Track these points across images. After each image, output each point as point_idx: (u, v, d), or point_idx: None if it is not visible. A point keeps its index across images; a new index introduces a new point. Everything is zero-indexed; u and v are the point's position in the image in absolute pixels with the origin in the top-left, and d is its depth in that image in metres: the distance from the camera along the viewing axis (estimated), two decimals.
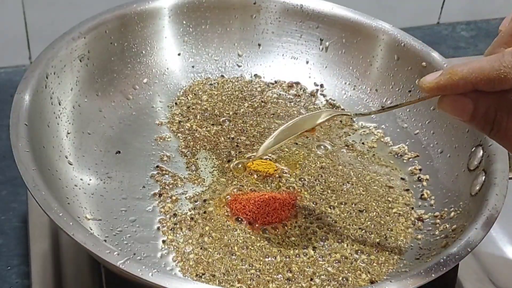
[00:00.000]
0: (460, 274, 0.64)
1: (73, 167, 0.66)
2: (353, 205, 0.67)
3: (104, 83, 0.74)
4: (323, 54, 0.81)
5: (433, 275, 0.53)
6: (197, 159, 0.71)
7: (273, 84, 0.81)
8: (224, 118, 0.76)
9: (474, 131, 0.67)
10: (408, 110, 0.76)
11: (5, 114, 0.62)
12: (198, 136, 0.74)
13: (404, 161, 0.73)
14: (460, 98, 0.48)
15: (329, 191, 0.69)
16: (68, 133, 0.68)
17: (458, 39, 1.09)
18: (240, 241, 0.63)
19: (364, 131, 0.76)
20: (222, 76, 0.81)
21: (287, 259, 0.62)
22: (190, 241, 0.62)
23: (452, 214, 0.65)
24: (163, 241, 0.62)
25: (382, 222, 0.66)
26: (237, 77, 0.81)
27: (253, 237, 0.63)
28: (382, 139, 0.75)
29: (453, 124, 0.71)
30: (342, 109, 0.78)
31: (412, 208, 0.68)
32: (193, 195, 0.67)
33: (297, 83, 0.81)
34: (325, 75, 0.81)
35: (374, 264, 0.62)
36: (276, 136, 0.65)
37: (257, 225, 0.64)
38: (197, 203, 0.66)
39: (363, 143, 0.75)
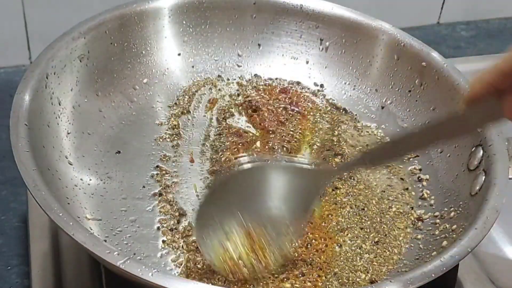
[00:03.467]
0: (460, 274, 0.64)
1: (73, 167, 0.66)
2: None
3: (104, 83, 0.74)
4: (323, 54, 0.81)
5: (433, 275, 0.53)
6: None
7: None
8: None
9: (474, 131, 0.67)
10: (408, 110, 0.76)
11: (5, 114, 0.62)
12: None
13: (404, 161, 0.73)
14: None
15: (329, 190, 0.69)
16: (68, 133, 0.68)
17: (458, 39, 1.09)
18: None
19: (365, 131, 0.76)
20: (222, 76, 0.81)
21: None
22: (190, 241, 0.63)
23: (452, 214, 0.65)
24: (163, 241, 0.62)
25: (382, 221, 0.66)
26: (237, 77, 0.81)
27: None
28: (382, 139, 0.75)
29: None
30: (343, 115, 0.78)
31: (412, 208, 0.68)
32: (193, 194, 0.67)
33: (297, 83, 0.81)
34: (325, 75, 0.81)
35: (374, 264, 0.62)
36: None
37: None
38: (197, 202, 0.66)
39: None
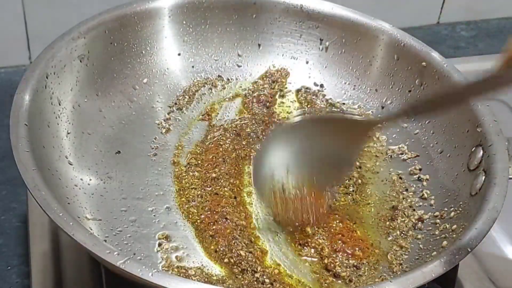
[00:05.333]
0: (460, 274, 0.64)
1: (73, 167, 0.66)
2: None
3: (104, 83, 0.74)
4: (323, 54, 0.81)
5: (433, 275, 0.53)
6: None
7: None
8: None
9: (474, 131, 0.67)
10: None
11: (5, 114, 0.62)
12: None
13: (404, 161, 0.73)
14: None
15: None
16: (68, 133, 0.68)
17: (458, 39, 1.09)
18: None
19: None
20: (222, 76, 0.81)
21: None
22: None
23: (452, 214, 0.65)
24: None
25: (382, 220, 0.66)
26: (237, 77, 0.81)
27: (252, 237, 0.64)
28: (381, 139, 0.75)
29: (453, 124, 0.71)
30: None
31: (413, 208, 0.68)
32: None
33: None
34: (325, 75, 0.81)
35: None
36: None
37: None
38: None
39: None
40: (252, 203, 0.67)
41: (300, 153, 0.63)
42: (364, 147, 0.66)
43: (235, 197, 0.67)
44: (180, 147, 0.72)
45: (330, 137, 0.63)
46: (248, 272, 0.60)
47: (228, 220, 0.64)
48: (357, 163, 0.71)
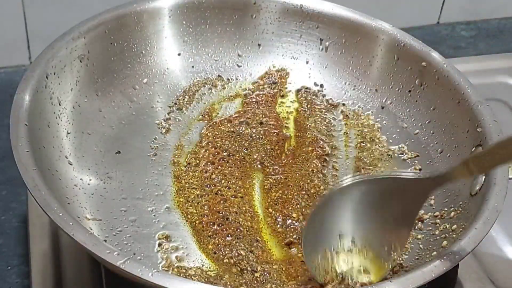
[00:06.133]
0: (460, 274, 0.64)
1: (73, 167, 0.66)
2: None
3: (104, 83, 0.74)
4: (323, 54, 0.81)
5: (433, 275, 0.53)
6: None
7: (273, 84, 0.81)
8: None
9: (474, 131, 0.67)
10: (408, 110, 0.76)
11: (5, 114, 0.62)
12: None
13: (404, 161, 0.73)
14: None
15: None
16: (68, 133, 0.68)
17: (458, 39, 1.09)
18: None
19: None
20: (222, 76, 0.81)
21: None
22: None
23: (452, 214, 0.65)
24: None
25: None
26: (237, 77, 0.81)
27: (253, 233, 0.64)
28: (381, 139, 0.75)
29: (453, 124, 0.71)
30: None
31: None
32: None
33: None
34: (325, 75, 0.81)
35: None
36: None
37: None
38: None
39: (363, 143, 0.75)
40: (255, 204, 0.67)
41: (354, 217, 0.58)
42: (421, 206, 0.59)
43: (241, 197, 0.67)
44: (180, 147, 0.72)
45: (385, 198, 0.57)
46: (248, 272, 0.60)
47: (230, 220, 0.64)
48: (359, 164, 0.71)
